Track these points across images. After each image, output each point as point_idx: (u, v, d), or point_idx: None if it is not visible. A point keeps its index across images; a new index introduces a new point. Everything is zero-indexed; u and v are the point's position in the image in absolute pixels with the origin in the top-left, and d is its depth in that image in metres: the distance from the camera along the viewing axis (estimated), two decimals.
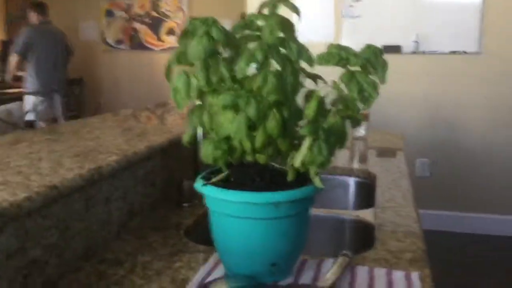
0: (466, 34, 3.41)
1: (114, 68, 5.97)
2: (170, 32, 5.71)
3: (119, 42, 5.85)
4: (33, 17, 4.41)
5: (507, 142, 3.48)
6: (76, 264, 0.95)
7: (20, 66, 4.35)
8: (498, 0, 3.33)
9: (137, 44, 5.80)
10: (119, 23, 5.82)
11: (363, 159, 2.01)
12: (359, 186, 1.73)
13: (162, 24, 5.72)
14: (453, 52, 3.45)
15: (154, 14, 5.72)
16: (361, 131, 2.28)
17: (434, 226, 3.42)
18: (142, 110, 2.02)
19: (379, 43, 3.31)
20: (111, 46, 5.88)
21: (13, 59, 4.30)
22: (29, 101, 4.28)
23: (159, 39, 5.75)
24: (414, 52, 3.48)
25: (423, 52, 3.48)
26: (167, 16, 5.69)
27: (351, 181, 1.74)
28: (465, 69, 3.47)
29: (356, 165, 1.87)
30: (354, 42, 3.47)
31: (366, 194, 1.68)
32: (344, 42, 3.50)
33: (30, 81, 4.33)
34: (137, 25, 5.78)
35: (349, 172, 1.75)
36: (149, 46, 5.77)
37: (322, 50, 0.88)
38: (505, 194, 3.50)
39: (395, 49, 3.46)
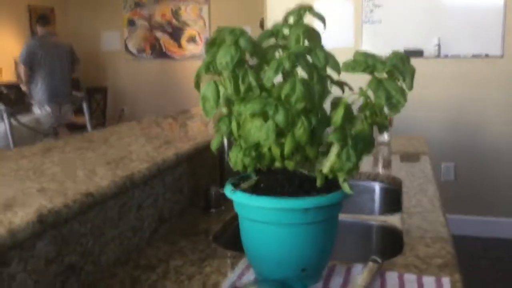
0: (488, 37, 3.37)
1: (136, 76, 6.07)
2: (191, 40, 5.78)
3: (141, 51, 5.94)
4: (38, 30, 4.68)
5: None
6: (111, 269, 0.97)
7: (28, 77, 4.53)
8: None
9: (158, 52, 5.88)
10: (141, 32, 5.92)
11: (387, 164, 2.00)
12: (385, 191, 1.73)
13: (182, 32, 5.79)
14: (475, 56, 3.41)
15: (175, 22, 5.80)
16: (385, 136, 2.27)
17: (460, 231, 3.38)
18: (165, 117, 2.05)
19: (400, 47, 3.32)
20: (133, 55, 5.97)
21: (21, 69, 4.52)
22: (36, 110, 4.46)
23: (179, 47, 5.82)
24: (436, 56, 3.46)
25: (445, 56, 3.45)
26: (187, 25, 5.77)
27: (377, 187, 1.74)
28: (487, 72, 3.43)
29: (380, 170, 1.87)
30: (375, 47, 3.46)
31: (392, 199, 1.68)
32: (365, 47, 3.49)
33: (35, 91, 4.52)
34: (158, 34, 5.87)
35: (374, 178, 1.75)
36: (170, 54, 5.85)
37: (343, 56, 0.89)
38: None
39: (417, 53, 3.44)
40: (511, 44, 3.34)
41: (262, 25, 4.69)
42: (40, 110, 4.40)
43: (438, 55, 3.46)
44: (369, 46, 3.51)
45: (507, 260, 3.12)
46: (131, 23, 5.90)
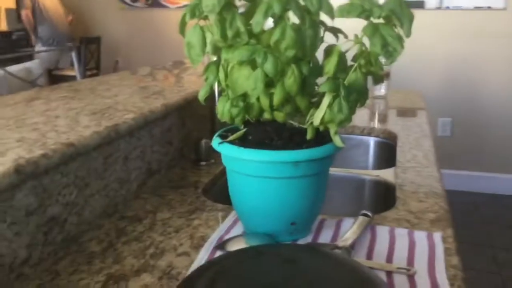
0: None
1: (131, 26, 5.91)
2: None
3: (135, 0, 5.76)
4: None
5: None
6: (96, 221, 0.96)
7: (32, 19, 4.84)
8: None
9: (153, 1, 5.71)
10: None
11: (383, 118, 1.96)
12: (379, 145, 1.70)
13: None
14: (478, 8, 3.31)
15: None
16: (381, 89, 2.23)
17: (453, 186, 3.39)
18: (159, 68, 2.00)
19: None
20: (127, 4, 5.80)
21: (24, 14, 4.83)
22: (39, 48, 4.80)
23: None
24: (437, 8, 3.36)
25: (447, 8, 3.35)
26: None
27: (371, 141, 1.71)
28: (489, 25, 3.34)
29: (376, 124, 1.83)
30: None
31: (387, 154, 1.65)
32: None
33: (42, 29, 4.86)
34: None
35: (369, 132, 1.72)
36: (165, 3, 5.68)
37: (337, 2, 0.84)
38: None
39: (417, 4, 3.34)
40: None
41: None
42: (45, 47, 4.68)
43: (440, 7, 3.36)
44: None
45: (499, 216, 3.16)
46: None
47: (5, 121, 0.99)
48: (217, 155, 1.36)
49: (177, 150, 1.31)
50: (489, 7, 3.28)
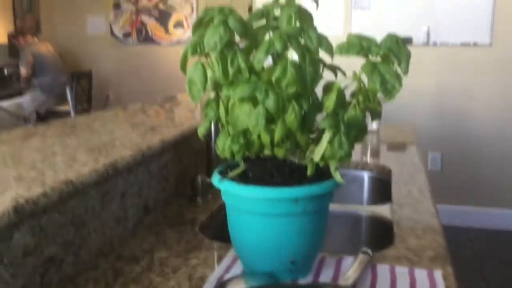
0: (477, 25, 3.35)
1: (122, 62, 5.96)
2: (178, 24, 5.68)
3: (126, 35, 5.83)
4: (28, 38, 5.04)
5: None
6: (93, 261, 0.93)
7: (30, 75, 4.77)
8: None
9: (144, 37, 5.78)
10: (127, 16, 5.80)
11: (376, 153, 1.98)
12: (374, 180, 1.71)
13: (169, 17, 5.68)
14: (464, 44, 3.40)
15: (162, 7, 5.69)
16: (373, 124, 2.25)
17: (445, 220, 3.39)
18: (151, 104, 2.00)
19: None
20: (118, 39, 5.86)
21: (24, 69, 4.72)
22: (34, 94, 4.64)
23: (166, 32, 5.72)
24: (425, 44, 3.44)
25: (434, 44, 3.44)
26: (174, 9, 5.66)
27: (365, 176, 1.71)
28: (476, 60, 3.42)
29: (369, 159, 1.84)
30: (365, 34, 3.42)
31: (381, 188, 1.66)
32: None
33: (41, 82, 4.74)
34: (144, 18, 5.75)
35: (363, 166, 1.73)
36: (156, 39, 5.74)
37: (333, 42, 0.85)
38: None
39: (406, 40, 3.41)
40: (500, 33, 3.33)
41: (250, 10, 4.62)
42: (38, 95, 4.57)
43: (427, 43, 3.44)
44: (359, 32, 3.47)
45: (492, 250, 3.15)
46: (117, 6, 5.77)
47: (2, 158, 0.98)
48: (213, 190, 1.35)
49: (173, 187, 1.30)
50: (475, 43, 3.37)
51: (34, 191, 0.77)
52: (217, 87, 0.85)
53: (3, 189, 0.78)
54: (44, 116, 4.33)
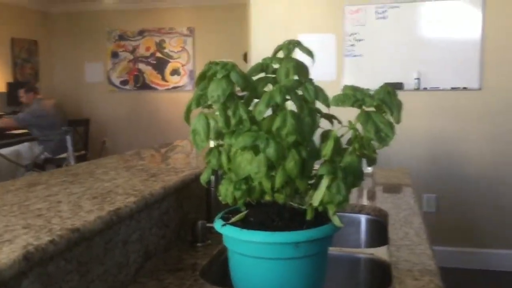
0: (466, 70, 3.47)
1: (119, 108, 6.04)
2: (174, 72, 5.81)
3: (124, 82, 5.94)
4: (25, 97, 4.99)
5: (510, 175, 3.49)
6: None
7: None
8: (497, 36, 3.41)
9: (142, 84, 5.89)
10: (124, 64, 5.93)
11: (372, 195, 2.01)
12: (370, 223, 1.73)
13: (166, 65, 5.82)
14: (454, 89, 3.50)
15: (159, 55, 5.83)
16: (368, 168, 2.29)
17: (442, 262, 3.38)
18: (149, 150, 2.04)
19: (381, 81, 3.38)
20: (116, 86, 5.97)
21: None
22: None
23: (163, 79, 5.84)
24: (416, 89, 3.54)
25: (425, 89, 3.54)
26: (171, 57, 5.81)
27: (362, 219, 1.74)
28: (466, 104, 3.51)
29: (365, 202, 1.87)
30: (357, 80, 3.53)
31: (378, 231, 1.68)
32: (346, 81, 3.55)
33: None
34: (142, 66, 5.89)
35: (360, 209, 1.75)
36: (153, 86, 5.86)
37: (325, 89, 0.91)
38: None
39: (397, 86, 3.51)
40: (489, 77, 3.45)
41: (245, 58, 4.75)
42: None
43: (418, 88, 3.54)
44: (350, 79, 3.58)
45: None
46: (115, 55, 5.92)
47: (9, 207, 1.00)
48: (213, 236, 1.37)
49: (174, 232, 1.32)
50: (465, 88, 3.47)
51: (43, 239, 0.80)
52: (219, 136, 0.90)
53: (13, 237, 0.81)
54: (42, 164, 4.31)
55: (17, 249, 0.74)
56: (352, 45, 3.60)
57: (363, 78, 3.54)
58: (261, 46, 3.69)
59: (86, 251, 0.92)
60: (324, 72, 3.61)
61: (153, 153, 1.98)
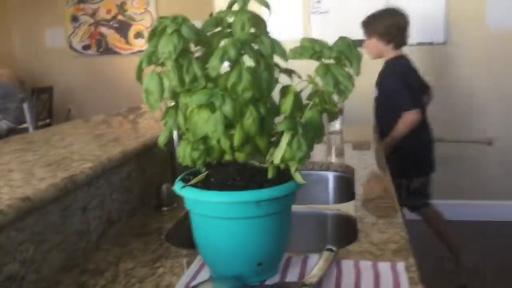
0: (432, 25, 3.47)
1: (83, 74, 5.86)
2: (138, 35, 5.64)
3: (86, 47, 5.74)
4: None
5: (478, 129, 3.56)
6: (55, 278, 0.92)
7: None
8: None
9: (104, 49, 5.70)
10: (85, 29, 5.71)
11: (340, 153, 2.01)
12: (338, 180, 1.74)
13: (129, 28, 5.63)
14: (420, 43, 3.50)
15: (121, 18, 5.63)
16: (336, 125, 2.29)
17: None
18: (114, 115, 1.98)
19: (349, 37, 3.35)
20: (78, 52, 5.76)
21: None
22: None
23: (127, 42, 5.67)
24: None
25: None
26: (134, 19, 5.62)
27: (330, 176, 1.74)
28: (432, 59, 3.53)
29: (333, 159, 1.88)
30: (324, 38, 3.47)
31: (346, 187, 1.69)
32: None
33: None
34: (103, 30, 5.68)
35: (327, 167, 1.75)
36: (117, 50, 5.68)
37: (292, 47, 0.87)
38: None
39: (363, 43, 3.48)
40: (454, 32, 3.46)
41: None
42: None
43: None
44: (318, 36, 3.52)
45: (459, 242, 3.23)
46: (75, 19, 5.68)
47: None
48: (179, 199, 1.34)
49: (137, 197, 1.29)
50: (431, 43, 3.48)
51: None
52: (175, 95, 0.86)
53: None
54: (6, 134, 4.16)
55: None
56: (318, 1, 3.54)
57: (331, 36, 3.47)
58: (225, 4, 3.58)
59: (41, 220, 0.88)
60: (291, 30, 3.54)
61: (117, 118, 1.92)
